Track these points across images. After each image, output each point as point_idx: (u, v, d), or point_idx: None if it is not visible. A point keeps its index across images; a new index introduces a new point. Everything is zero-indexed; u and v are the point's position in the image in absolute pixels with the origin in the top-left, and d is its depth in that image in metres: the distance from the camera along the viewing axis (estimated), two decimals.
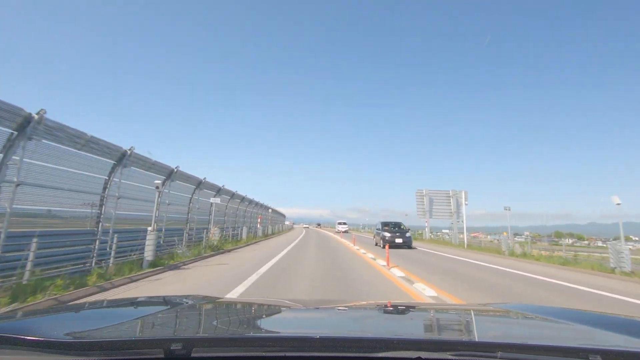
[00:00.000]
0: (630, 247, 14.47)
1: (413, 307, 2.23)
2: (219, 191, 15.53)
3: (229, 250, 14.26)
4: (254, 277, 7.38)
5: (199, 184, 13.06)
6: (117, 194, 7.60)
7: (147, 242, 8.41)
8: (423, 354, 0.91)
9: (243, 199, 21.31)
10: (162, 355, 0.90)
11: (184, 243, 11.70)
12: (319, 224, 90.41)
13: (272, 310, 1.88)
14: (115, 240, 7.41)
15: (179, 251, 10.44)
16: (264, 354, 0.95)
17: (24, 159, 5.18)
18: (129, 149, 7.69)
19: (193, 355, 0.90)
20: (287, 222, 66.15)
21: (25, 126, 5.03)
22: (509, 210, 18.50)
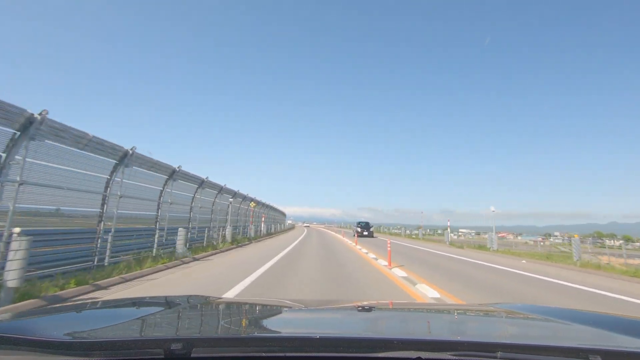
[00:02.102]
0: None
1: (413, 307, 2.23)
2: (202, 183, 13.67)
3: (198, 259, 11.17)
4: None
5: (172, 174, 10.83)
6: (18, 179, 5.48)
7: (9, 256, 4.73)
8: (423, 354, 0.91)
9: (235, 194, 19.56)
10: (162, 356, 0.90)
11: (156, 248, 9.78)
12: (366, 226, 34.25)
13: (272, 310, 1.88)
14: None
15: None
16: (264, 354, 0.95)
17: None
18: (40, 114, 5.52)
19: (193, 355, 0.90)
20: (289, 221, 64.51)
21: None
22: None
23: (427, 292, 6.71)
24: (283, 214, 52.92)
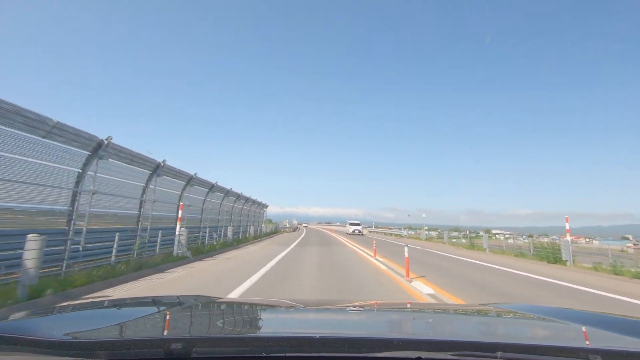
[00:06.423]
0: None
1: (413, 307, 2.24)
2: (157, 168, 10.07)
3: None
4: None
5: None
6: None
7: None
8: (423, 354, 0.91)
9: (214, 186, 15.69)
10: (162, 356, 0.90)
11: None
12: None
13: (272, 310, 1.88)
14: None
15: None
16: (264, 354, 0.95)
17: None
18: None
19: (193, 355, 0.90)
20: (294, 222, 56.49)
21: None
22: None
23: None
24: (264, 206, 32.88)
